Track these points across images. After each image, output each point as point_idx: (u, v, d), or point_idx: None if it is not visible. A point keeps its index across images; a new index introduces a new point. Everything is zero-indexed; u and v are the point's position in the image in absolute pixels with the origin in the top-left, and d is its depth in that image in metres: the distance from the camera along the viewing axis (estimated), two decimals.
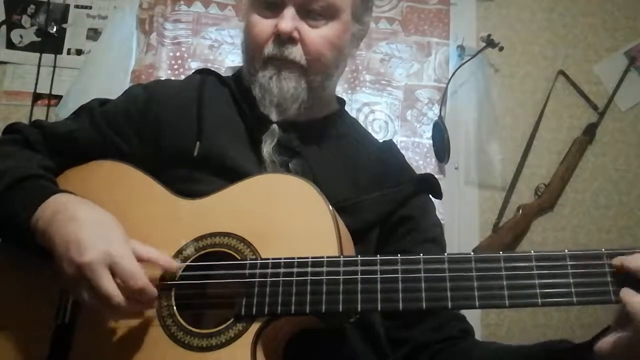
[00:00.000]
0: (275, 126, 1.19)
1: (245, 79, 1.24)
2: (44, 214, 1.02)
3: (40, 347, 1.04)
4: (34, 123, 1.28)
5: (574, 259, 0.89)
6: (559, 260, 0.89)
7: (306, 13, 1.17)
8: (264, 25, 1.18)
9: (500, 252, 0.91)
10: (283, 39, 1.16)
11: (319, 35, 1.18)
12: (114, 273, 0.94)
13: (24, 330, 1.08)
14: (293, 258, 0.97)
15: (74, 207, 1.03)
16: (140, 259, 0.98)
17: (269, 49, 1.17)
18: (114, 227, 1.01)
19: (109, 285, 0.93)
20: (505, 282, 0.89)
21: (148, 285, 0.95)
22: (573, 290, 0.87)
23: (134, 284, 0.94)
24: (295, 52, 1.17)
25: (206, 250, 1.04)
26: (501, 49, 2.71)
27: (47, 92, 2.52)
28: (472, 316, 2.48)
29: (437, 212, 1.32)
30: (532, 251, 0.91)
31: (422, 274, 0.92)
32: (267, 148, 1.18)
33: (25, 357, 1.06)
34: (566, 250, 0.90)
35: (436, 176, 1.30)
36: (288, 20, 1.15)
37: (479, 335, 1.72)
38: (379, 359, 1.14)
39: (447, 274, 0.91)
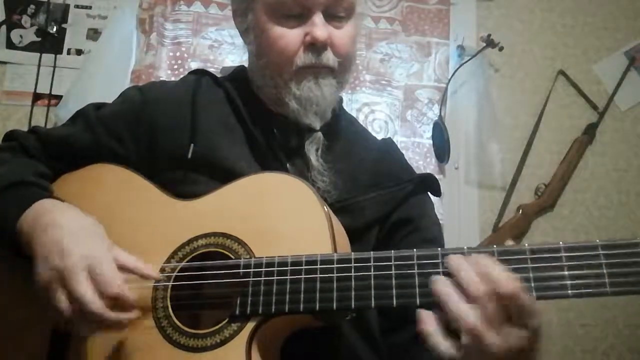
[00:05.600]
0: (319, 134, 1.20)
1: (269, 91, 1.22)
2: (27, 218, 1.03)
3: (39, 351, 1.05)
4: (31, 130, 1.29)
5: (569, 251, 0.87)
6: (553, 253, 0.87)
7: (331, 16, 1.17)
8: (292, 36, 1.16)
9: (494, 246, 0.90)
10: (317, 47, 1.15)
11: (345, 35, 1.18)
12: (92, 279, 0.94)
13: (22, 334, 1.09)
14: (286, 257, 0.97)
15: (57, 213, 1.03)
16: (121, 267, 0.98)
17: (302, 59, 1.15)
18: (97, 234, 1.01)
19: (86, 291, 0.93)
20: None
21: (123, 292, 0.95)
22: (568, 282, 0.85)
23: (109, 290, 0.94)
24: (329, 57, 1.16)
25: (201, 251, 1.04)
26: (501, 49, 2.71)
27: (47, 92, 2.52)
28: None
29: (437, 212, 1.32)
30: (527, 244, 0.89)
31: (416, 270, 0.91)
32: (314, 157, 1.19)
33: None
34: (561, 243, 0.88)
35: (436, 176, 1.31)
36: (322, 27, 1.14)
37: None
38: (377, 358, 1.14)
39: (440, 269, 0.90)
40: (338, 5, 1.17)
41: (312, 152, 1.19)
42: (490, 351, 0.78)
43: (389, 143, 1.38)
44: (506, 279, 0.80)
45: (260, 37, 1.20)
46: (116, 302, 0.95)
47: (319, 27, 1.14)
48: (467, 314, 0.79)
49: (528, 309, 0.80)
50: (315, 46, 1.15)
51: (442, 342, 0.81)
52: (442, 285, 0.84)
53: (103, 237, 1.01)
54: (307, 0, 1.14)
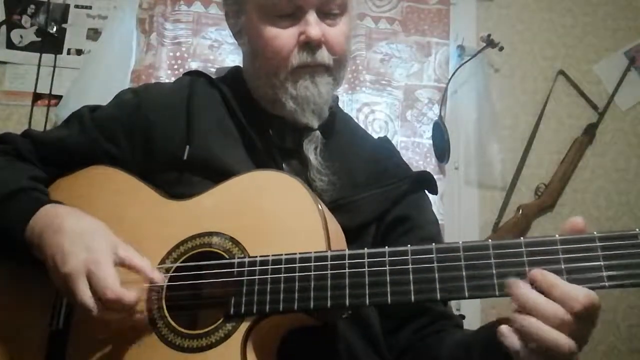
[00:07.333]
0: (317, 132, 1.20)
1: (265, 92, 1.21)
2: (35, 227, 1.03)
3: (36, 353, 1.05)
4: (24, 133, 1.28)
5: (565, 244, 0.85)
6: (549, 246, 0.86)
7: (324, 13, 1.17)
8: (286, 36, 1.15)
9: (489, 240, 0.89)
10: (312, 45, 1.15)
11: (339, 33, 1.18)
12: (90, 282, 0.95)
13: (19, 336, 1.09)
14: (280, 255, 0.96)
15: (62, 218, 1.03)
16: (125, 266, 0.99)
17: (297, 58, 1.15)
18: (100, 235, 1.01)
19: (84, 296, 0.94)
20: (494, 271, 0.86)
21: (121, 296, 0.94)
22: (564, 277, 0.83)
23: (107, 295, 0.94)
24: (324, 55, 1.16)
25: (196, 251, 1.03)
26: (501, 49, 2.71)
27: (47, 92, 2.53)
28: (473, 316, 2.48)
29: (437, 212, 1.31)
30: (522, 238, 0.87)
31: (410, 266, 0.90)
32: (312, 156, 1.18)
33: None
34: (557, 235, 0.86)
35: (436, 176, 1.30)
36: (315, 25, 1.14)
37: None
38: (377, 356, 1.13)
39: (435, 264, 0.89)
40: (331, 3, 1.16)
41: (311, 151, 1.19)
42: (564, 351, 0.81)
43: (385, 141, 1.37)
44: (576, 293, 0.81)
45: (254, 38, 1.19)
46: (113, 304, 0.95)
47: (313, 26, 1.13)
48: (550, 333, 0.80)
49: (594, 306, 0.81)
50: (309, 45, 1.14)
51: (517, 342, 0.82)
52: (523, 319, 0.83)
53: (106, 238, 1.01)
54: None
